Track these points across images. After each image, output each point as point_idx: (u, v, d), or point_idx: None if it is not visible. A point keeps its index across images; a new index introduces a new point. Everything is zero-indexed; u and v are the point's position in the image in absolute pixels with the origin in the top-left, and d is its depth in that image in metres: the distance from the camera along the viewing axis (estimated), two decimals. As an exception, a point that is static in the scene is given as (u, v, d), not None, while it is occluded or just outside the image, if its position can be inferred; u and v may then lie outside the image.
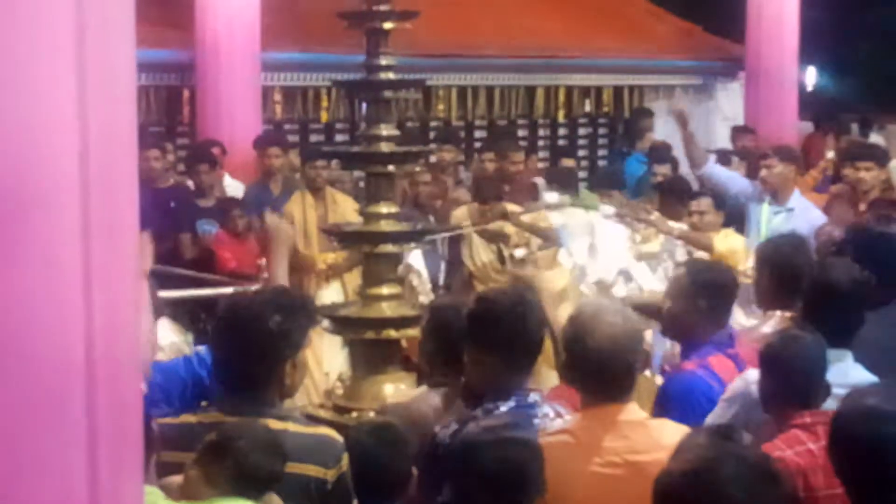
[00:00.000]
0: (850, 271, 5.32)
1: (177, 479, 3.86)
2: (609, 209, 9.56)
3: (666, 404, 5.08)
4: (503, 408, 4.37)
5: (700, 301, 5.24)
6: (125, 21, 2.48)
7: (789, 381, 4.65)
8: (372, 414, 5.77)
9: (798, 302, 5.44)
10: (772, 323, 5.80)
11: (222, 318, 4.31)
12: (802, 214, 9.13)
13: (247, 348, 4.16)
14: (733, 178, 10.03)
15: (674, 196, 9.81)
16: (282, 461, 3.85)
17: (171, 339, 6.01)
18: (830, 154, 12.27)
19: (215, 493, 3.72)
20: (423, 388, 5.21)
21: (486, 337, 4.46)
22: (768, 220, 9.27)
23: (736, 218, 9.42)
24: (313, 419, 5.46)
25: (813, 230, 8.97)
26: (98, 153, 2.47)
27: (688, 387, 5.15)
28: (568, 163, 11.77)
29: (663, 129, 15.36)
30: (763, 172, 9.41)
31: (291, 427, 4.13)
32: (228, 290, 7.39)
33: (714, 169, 10.10)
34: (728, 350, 5.29)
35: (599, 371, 4.19)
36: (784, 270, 5.85)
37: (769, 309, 5.97)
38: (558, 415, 4.44)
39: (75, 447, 2.49)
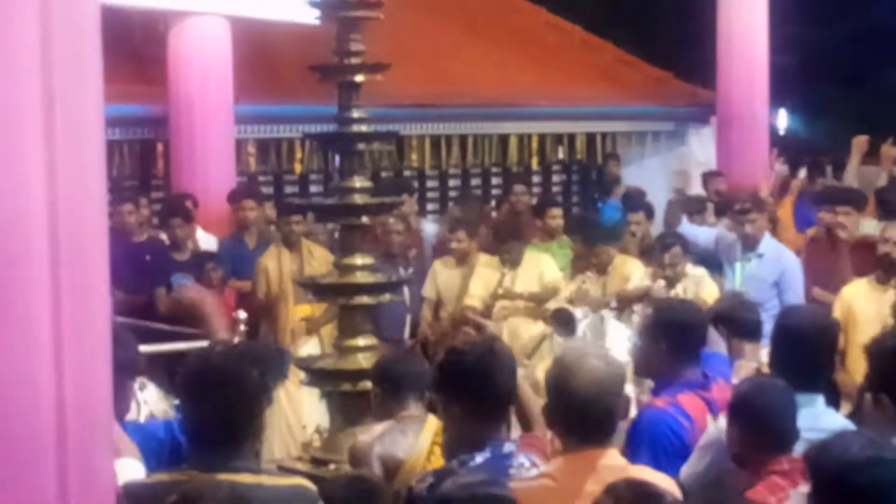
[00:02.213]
0: (815, 316, 5.36)
1: None
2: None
3: (635, 438, 5.14)
4: (479, 459, 4.36)
5: (661, 342, 5.34)
6: (94, 83, 2.49)
7: (763, 429, 4.67)
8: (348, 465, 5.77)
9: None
10: (739, 374, 5.85)
11: (195, 374, 4.26)
12: (775, 258, 9.23)
13: (226, 403, 4.13)
14: (709, 235, 10.20)
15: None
16: None
17: (163, 407, 5.96)
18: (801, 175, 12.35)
19: None
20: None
21: (456, 388, 4.46)
22: (742, 268, 9.34)
23: (714, 266, 9.47)
24: (289, 471, 5.45)
25: (783, 272, 9.06)
26: (67, 213, 2.48)
27: (655, 421, 5.20)
28: (555, 212, 11.73)
29: (637, 175, 15.45)
30: (747, 227, 9.47)
31: (266, 480, 4.12)
32: (205, 343, 7.38)
33: (685, 229, 10.28)
34: (701, 391, 5.32)
35: (582, 414, 4.20)
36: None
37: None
38: (534, 465, 4.44)
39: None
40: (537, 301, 9.94)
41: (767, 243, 9.45)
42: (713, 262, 9.47)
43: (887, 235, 8.22)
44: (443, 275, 10.38)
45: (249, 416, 4.19)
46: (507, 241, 10.15)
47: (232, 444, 4.17)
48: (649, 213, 11.79)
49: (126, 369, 4.40)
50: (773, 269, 9.19)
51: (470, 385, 4.42)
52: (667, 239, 9.43)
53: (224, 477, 4.03)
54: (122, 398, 4.39)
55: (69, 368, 2.51)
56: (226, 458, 4.12)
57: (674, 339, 5.33)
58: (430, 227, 12.60)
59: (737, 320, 6.26)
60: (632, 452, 4.98)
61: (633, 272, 9.61)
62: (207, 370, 4.23)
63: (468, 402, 4.43)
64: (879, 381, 4.33)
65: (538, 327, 9.85)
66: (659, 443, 5.15)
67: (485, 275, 10.06)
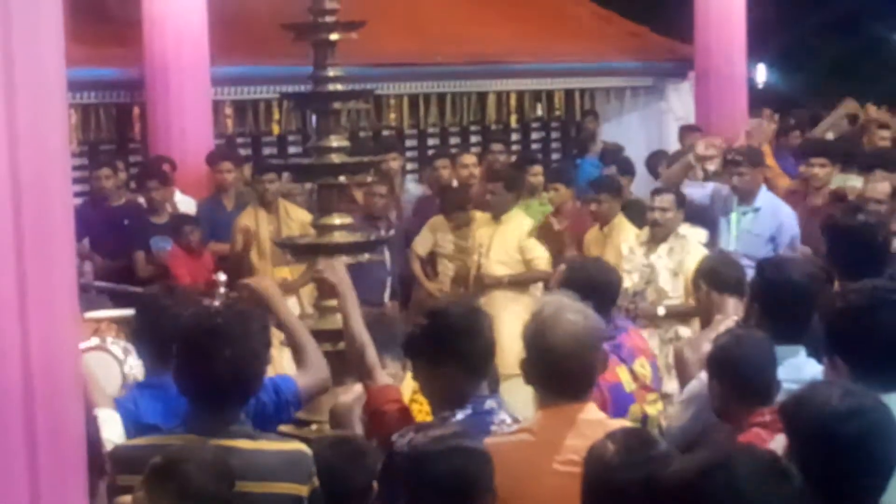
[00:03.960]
0: (802, 267, 5.36)
1: (126, 500, 3.80)
2: None
3: None
4: (460, 415, 4.37)
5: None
6: (54, 42, 2.45)
7: (744, 380, 4.69)
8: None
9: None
10: (714, 329, 5.88)
11: (195, 334, 4.23)
12: (770, 212, 9.20)
13: (228, 365, 4.11)
14: (705, 191, 10.16)
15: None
16: (228, 484, 3.78)
17: None
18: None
19: None
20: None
21: (442, 345, 4.45)
22: (738, 221, 9.31)
23: (710, 224, 9.44)
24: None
25: (780, 226, 9.04)
26: (30, 170, 2.44)
27: None
28: (535, 169, 11.74)
29: (616, 131, 15.43)
30: (735, 180, 9.44)
31: (265, 445, 4.10)
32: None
33: (687, 189, 10.22)
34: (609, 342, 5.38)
35: (561, 369, 4.19)
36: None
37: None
38: (516, 421, 4.44)
39: (16, 469, 2.45)
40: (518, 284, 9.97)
41: (764, 197, 9.41)
42: (708, 217, 9.44)
43: (869, 195, 8.25)
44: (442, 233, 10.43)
45: (250, 377, 4.17)
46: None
47: (230, 406, 4.15)
48: (627, 169, 11.76)
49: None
50: (769, 224, 9.17)
51: (456, 342, 4.42)
52: (661, 186, 9.38)
53: (221, 442, 4.02)
54: None
55: (35, 324, 2.49)
56: (223, 422, 4.10)
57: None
58: (412, 187, 12.56)
59: (719, 275, 6.28)
60: None
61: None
62: (208, 331, 4.19)
63: (454, 359, 4.43)
64: (834, 343, 4.31)
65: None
66: None
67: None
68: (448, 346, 4.44)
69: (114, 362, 5.56)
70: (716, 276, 6.27)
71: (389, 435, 4.53)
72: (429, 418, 4.68)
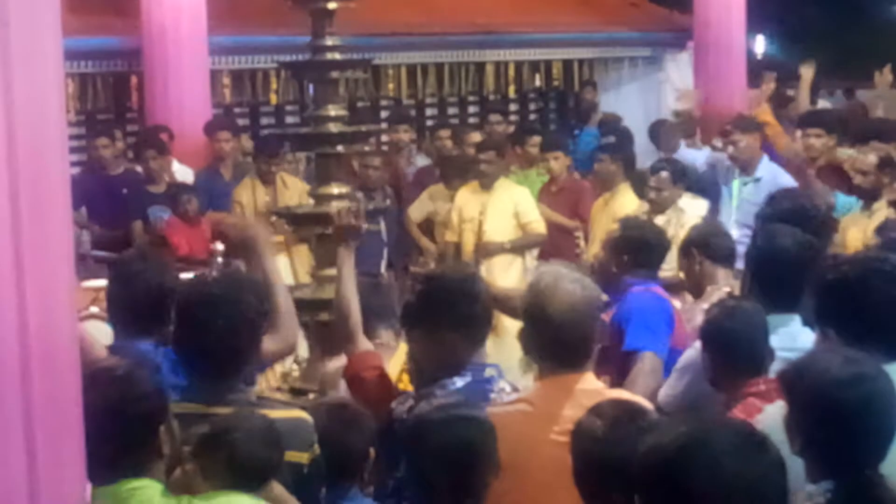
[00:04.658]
0: (794, 236, 5.37)
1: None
2: None
3: (624, 315, 5.82)
4: (459, 382, 4.38)
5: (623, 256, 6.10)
6: (51, 10, 2.45)
7: (736, 351, 4.70)
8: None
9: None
10: (708, 299, 5.90)
11: (195, 303, 4.24)
12: (771, 182, 9.16)
13: (228, 333, 4.12)
14: (702, 156, 10.17)
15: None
16: (279, 451, 3.81)
17: None
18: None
19: (211, 486, 3.66)
20: None
21: (442, 314, 4.46)
22: (738, 191, 9.31)
23: (713, 194, 9.45)
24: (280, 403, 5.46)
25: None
26: (26, 141, 2.44)
27: (640, 296, 5.91)
28: (534, 139, 11.74)
29: (614, 102, 15.39)
30: (730, 150, 9.45)
31: (267, 413, 4.11)
32: (183, 276, 7.33)
33: (685, 154, 10.22)
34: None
35: (559, 339, 4.19)
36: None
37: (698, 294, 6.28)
38: (515, 390, 4.45)
39: (12, 438, 2.46)
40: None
41: (765, 167, 9.38)
42: (707, 185, 9.44)
43: (857, 166, 8.26)
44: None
45: (246, 346, 4.19)
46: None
47: (230, 375, 4.16)
48: (625, 137, 11.74)
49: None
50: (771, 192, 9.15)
51: (454, 307, 4.43)
52: (657, 164, 9.39)
53: (221, 410, 4.03)
54: None
55: (31, 292, 2.48)
56: (223, 390, 4.12)
57: (636, 254, 6.12)
58: (421, 160, 12.53)
59: (710, 246, 6.29)
60: (624, 331, 5.66)
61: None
62: (203, 302, 4.21)
63: (452, 325, 4.44)
64: (825, 315, 4.31)
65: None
66: (650, 312, 5.77)
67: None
68: (446, 311, 4.45)
69: (105, 326, 5.56)
70: (708, 246, 6.28)
71: (367, 401, 4.55)
72: None
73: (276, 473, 3.79)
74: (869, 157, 8.38)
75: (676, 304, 6.24)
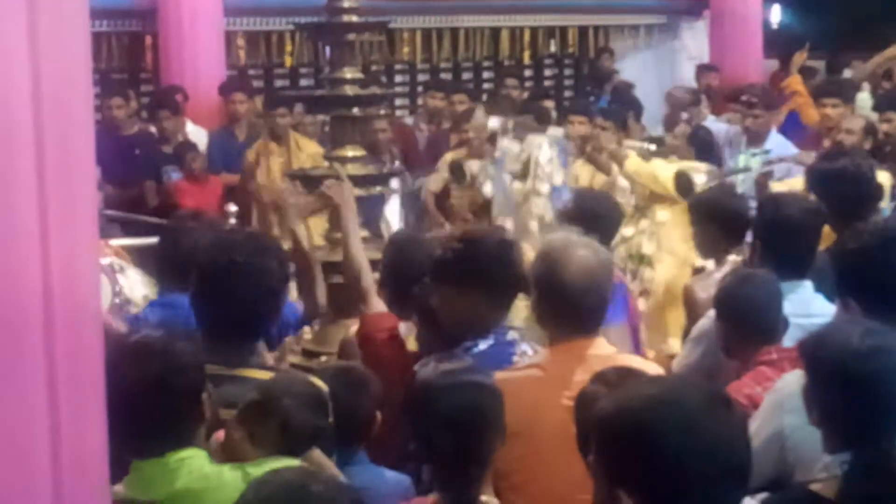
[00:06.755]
0: (802, 203, 5.38)
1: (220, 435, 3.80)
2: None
3: None
4: (482, 345, 4.37)
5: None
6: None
7: (748, 320, 4.69)
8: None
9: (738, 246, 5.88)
10: (723, 268, 5.89)
11: (209, 272, 4.22)
12: (778, 154, 9.15)
13: (251, 301, 4.12)
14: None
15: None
16: (326, 417, 3.80)
17: (142, 293, 5.92)
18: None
19: (261, 453, 3.63)
20: None
21: (472, 276, 4.43)
22: (746, 163, 9.28)
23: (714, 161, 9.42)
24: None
25: (789, 168, 9.01)
26: (51, 97, 2.44)
27: None
28: (547, 104, 11.68)
29: (631, 69, 15.33)
30: (748, 121, 9.44)
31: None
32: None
33: (712, 125, 10.21)
34: None
35: (574, 305, 4.17)
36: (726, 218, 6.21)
37: (712, 257, 6.28)
38: (537, 353, 4.43)
39: (35, 391, 2.47)
40: None
41: (774, 139, 9.36)
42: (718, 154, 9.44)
43: (845, 125, 8.31)
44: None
45: (266, 313, 4.18)
46: None
47: (247, 339, 4.16)
48: (635, 107, 11.67)
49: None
50: (777, 167, 9.13)
51: (487, 269, 4.42)
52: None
53: (238, 373, 4.03)
54: None
55: (55, 253, 2.48)
56: (240, 353, 4.11)
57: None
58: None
59: (727, 210, 6.30)
60: None
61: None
62: (225, 268, 4.18)
63: (482, 286, 4.42)
64: (846, 284, 4.29)
65: None
66: None
67: None
68: (478, 272, 4.42)
69: (105, 279, 5.57)
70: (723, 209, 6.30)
71: (379, 362, 4.54)
72: None
73: (322, 439, 3.78)
74: (856, 120, 8.46)
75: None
